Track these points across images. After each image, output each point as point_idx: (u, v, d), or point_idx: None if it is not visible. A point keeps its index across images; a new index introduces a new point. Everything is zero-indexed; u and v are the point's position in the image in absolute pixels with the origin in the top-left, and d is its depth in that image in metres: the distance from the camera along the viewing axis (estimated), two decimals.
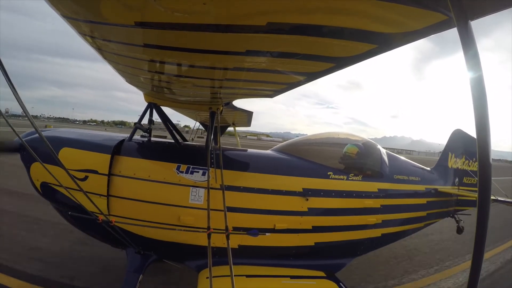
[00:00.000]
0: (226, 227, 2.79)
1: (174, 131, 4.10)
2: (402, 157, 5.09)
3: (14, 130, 2.52)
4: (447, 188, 5.26)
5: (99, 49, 1.86)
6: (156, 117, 3.87)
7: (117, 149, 3.46)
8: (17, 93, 1.90)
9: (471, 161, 5.77)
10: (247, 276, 3.30)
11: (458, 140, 5.87)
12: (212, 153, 3.45)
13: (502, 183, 12.44)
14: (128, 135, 3.77)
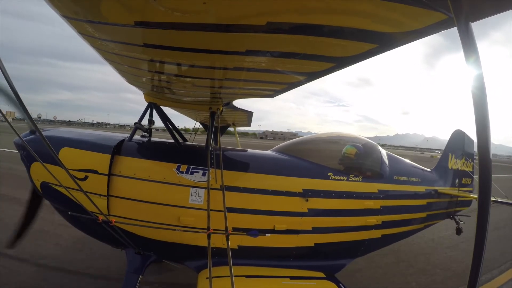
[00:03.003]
0: (226, 227, 2.78)
1: (174, 131, 4.10)
2: (402, 158, 5.09)
3: (14, 130, 2.52)
4: (447, 189, 5.25)
5: (99, 49, 1.86)
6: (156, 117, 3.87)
7: (117, 149, 3.45)
8: (17, 94, 1.90)
9: (469, 160, 5.77)
10: (247, 276, 3.29)
11: (458, 141, 5.87)
12: (212, 154, 3.45)
13: None
14: (128, 135, 3.77)
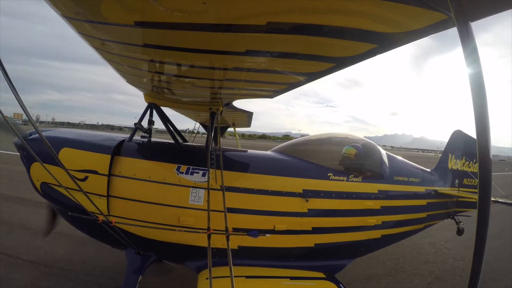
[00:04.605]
0: (226, 228, 2.78)
1: (174, 132, 4.09)
2: (402, 158, 5.08)
3: (14, 130, 2.53)
4: (447, 190, 5.25)
5: (99, 49, 1.86)
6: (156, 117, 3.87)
7: (117, 150, 3.45)
8: (18, 96, 1.90)
9: (471, 162, 5.76)
10: (247, 277, 3.29)
11: (458, 141, 5.87)
12: (212, 154, 3.45)
13: None
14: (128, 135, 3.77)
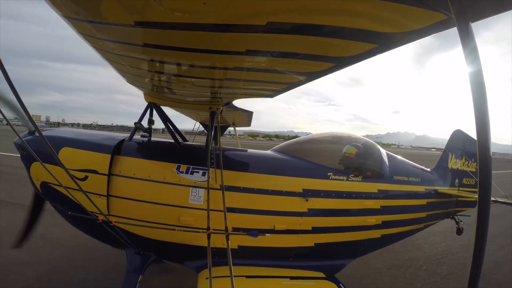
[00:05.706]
0: (226, 227, 2.78)
1: (174, 131, 4.09)
2: (402, 158, 5.08)
3: (14, 130, 2.53)
4: (447, 189, 5.25)
5: (99, 49, 1.86)
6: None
7: (117, 149, 3.45)
8: (18, 95, 1.90)
9: (470, 161, 5.76)
10: (247, 276, 3.29)
11: (458, 141, 5.87)
12: (212, 153, 3.45)
13: None
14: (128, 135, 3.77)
